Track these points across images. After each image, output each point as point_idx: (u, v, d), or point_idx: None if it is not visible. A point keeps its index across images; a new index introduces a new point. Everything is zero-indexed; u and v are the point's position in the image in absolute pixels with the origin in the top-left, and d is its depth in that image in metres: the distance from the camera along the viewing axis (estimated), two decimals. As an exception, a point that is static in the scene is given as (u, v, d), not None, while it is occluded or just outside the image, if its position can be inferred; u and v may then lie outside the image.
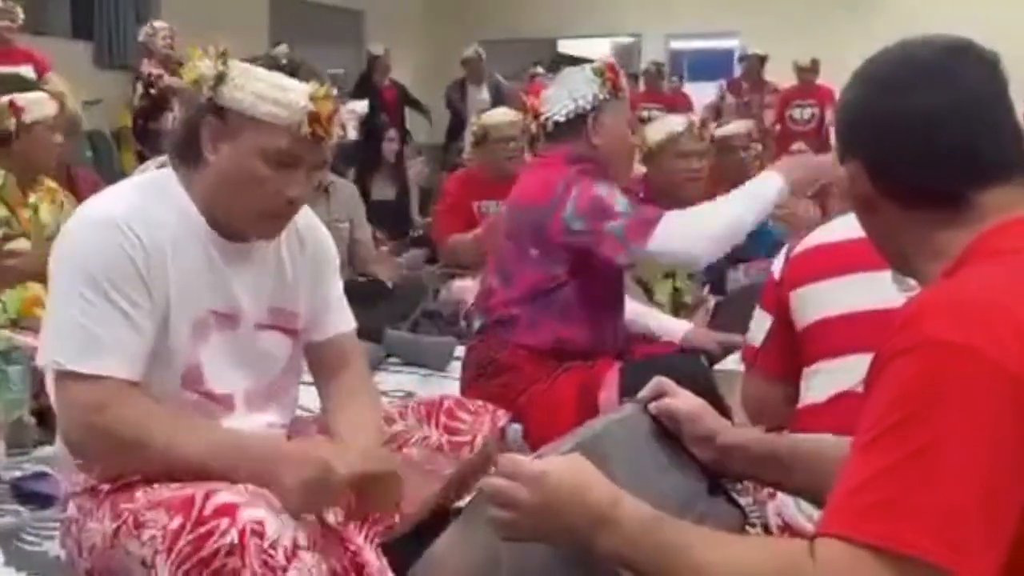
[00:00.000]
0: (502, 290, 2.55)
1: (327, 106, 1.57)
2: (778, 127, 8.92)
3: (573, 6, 11.32)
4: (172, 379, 1.59)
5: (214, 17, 7.40)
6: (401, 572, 1.53)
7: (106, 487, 1.54)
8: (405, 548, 1.57)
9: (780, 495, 1.79)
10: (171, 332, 1.57)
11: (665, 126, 3.37)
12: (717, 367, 2.74)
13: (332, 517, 1.57)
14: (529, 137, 4.37)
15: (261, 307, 1.69)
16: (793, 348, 1.85)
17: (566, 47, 11.49)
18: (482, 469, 1.77)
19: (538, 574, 1.16)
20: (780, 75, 9.09)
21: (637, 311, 2.86)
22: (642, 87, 9.53)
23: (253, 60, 1.60)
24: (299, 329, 1.76)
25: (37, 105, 3.20)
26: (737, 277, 3.78)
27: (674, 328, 2.92)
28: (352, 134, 1.68)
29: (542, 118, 2.57)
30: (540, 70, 8.54)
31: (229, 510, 1.34)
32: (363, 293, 3.84)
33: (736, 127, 5.01)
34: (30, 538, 2.28)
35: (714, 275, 3.65)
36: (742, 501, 1.43)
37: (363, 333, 1.85)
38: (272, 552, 1.33)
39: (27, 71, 5.36)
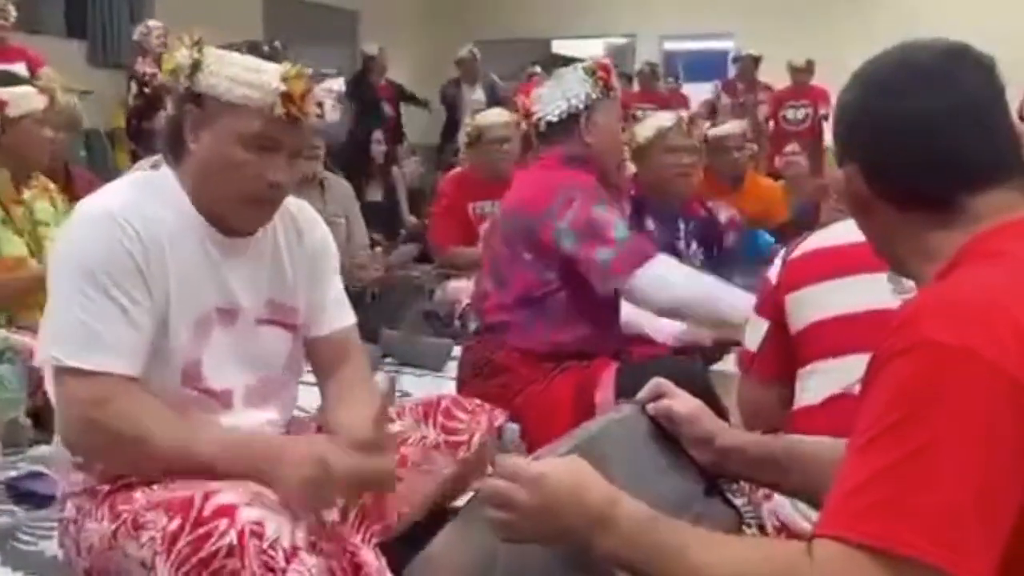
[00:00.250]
0: (496, 294, 2.55)
1: (299, 85, 1.56)
2: (772, 125, 8.94)
3: (568, 7, 11.32)
4: (171, 376, 1.59)
5: (208, 17, 7.35)
6: (399, 572, 1.53)
7: (105, 487, 1.54)
8: (403, 548, 1.57)
9: (776, 496, 1.79)
10: (171, 329, 1.57)
11: (653, 123, 3.39)
12: (713, 368, 2.75)
13: (330, 516, 1.57)
14: (522, 137, 4.38)
15: (259, 301, 1.69)
16: (788, 352, 1.85)
17: (561, 48, 11.48)
18: (479, 469, 1.78)
19: (536, 575, 1.17)
20: (774, 76, 9.11)
21: (630, 312, 2.86)
22: (636, 88, 9.54)
23: (229, 46, 1.60)
24: (298, 324, 1.76)
25: (24, 99, 3.18)
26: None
27: (668, 329, 2.92)
28: (332, 115, 1.67)
29: (534, 118, 2.57)
30: (538, 70, 8.54)
31: (228, 511, 1.34)
32: (357, 294, 3.83)
33: (730, 127, 5.02)
34: (26, 538, 2.27)
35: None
36: (738, 502, 1.44)
37: (359, 333, 1.85)
38: (271, 553, 1.33)
39: (20, 69, 5.35)
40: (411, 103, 9.38)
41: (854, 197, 1.10)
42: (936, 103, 1.04)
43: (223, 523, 1.33)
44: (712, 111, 8.86)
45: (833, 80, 1.33)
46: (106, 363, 1.49)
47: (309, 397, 1.84)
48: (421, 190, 7.79)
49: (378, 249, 5.17)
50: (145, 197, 1.59)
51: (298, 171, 1.70)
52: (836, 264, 1.78)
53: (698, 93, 9.67)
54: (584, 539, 1.07)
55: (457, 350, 3.24)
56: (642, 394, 1.34)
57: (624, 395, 1.92)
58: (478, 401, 1.94)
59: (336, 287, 1.83)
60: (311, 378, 1.83)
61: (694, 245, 3.56)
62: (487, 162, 4.52)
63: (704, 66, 10.77)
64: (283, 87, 1.55)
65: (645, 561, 1.03)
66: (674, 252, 3.47)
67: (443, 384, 3.44)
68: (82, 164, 4.72)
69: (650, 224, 3.41)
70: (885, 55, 1.10)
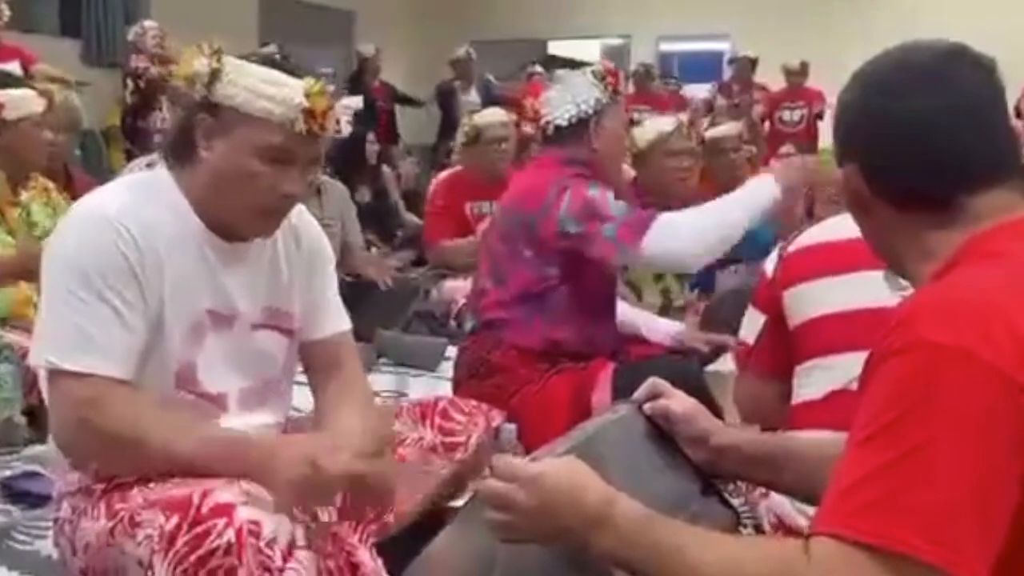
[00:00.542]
0: (495, 291, 2.55)
1: (322, 102, 1.57)
2: (767, 127, 8.95)
3: (564, 7, 11.33)
4: (165, 379, 1.59)
5: (204, 17, 7.36)
6: (396, 572, 1.53)
7: (100, 486, 1.54)
8: (400, 548, 1.57)
9: (773, 494, 1.80)
10: (165, 332, 1.57)
11: (654, 127, 3.40)
12: (708, 369, 2.75)
13: (326, 516, 1.57)
14: (519, 138, 4.37)
15: (256, 306, 1.69)
16: (786, 346, 1.86)
17: (556, 48, 11.49)
18: (477, 470, 1.78)
19: (535, 575, 1.17)
20: (770, 77, 9.12)
21: (626, 312, 2.87)
22: (631, 89, 9.54)
23: (247, 57, 1.60)
24: (294, 328, 1.76)
25: (22, 101, 3.18)
26: (727, 279, 3.79)
27: (664, 329, 2.93)
28: (346, 129, 1.68)
29: (542, 121, 2.57)
30: (539, 69, 8.54)
31: (226, 510, 1.34)
32: (352, 294, 3.83)
33: (726, 129, 5.04)
34: (21, 537, 2.27)
35: (703, 277, 3.66)
36: (734, 502, 1.44)
37: (354, 334, 1.85)
38: (269, 552, 1.33)
39: (14, 67, 5.34)
40: (405, 104, 9.38)
41: (853, 197, 1.10)
42: (935, 103, 1.04)
43: (221, 522, 1.33)
44: (710, 108, 8.88)
45: (832, 81, 1.34)
46: (99, 366, 1.49)
47: (303, 398, 1.83)
48: (417, 191, 7.79)
49: (374, 250, 5.17)
50: (142, 200, 1.59)
51: (310, 182, 1.70)
52: (834, 260, 1.79)
53: (694, 94, 9.67)
54: (582, 539, 1.07)
55: (452, 350, 3.24)
56: (639, 394, 1.34)
57: (620, 395, 1.92)
58: (475, 402, 1.94)
59: (332, 291, 1.83)
60: (305, 378, 1.83)
61: None
62: (484, 162, 4.51)
63: (699, 67, 10.78)
64: (306, 103, 1.55)
65: (642, 560, 1.03)
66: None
67: (439, 384, 3.44)
68: (77, 163, 4.69)
69: None
70: (884, 56, 1.11)
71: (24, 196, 3.21)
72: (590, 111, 2.52)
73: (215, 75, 1.56)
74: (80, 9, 8.34)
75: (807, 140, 8.46)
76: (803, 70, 8.81)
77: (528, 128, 2.66)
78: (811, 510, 1.02)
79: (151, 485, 1.47)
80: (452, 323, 4.35)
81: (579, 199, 2.39)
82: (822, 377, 1.78)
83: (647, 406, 1.33)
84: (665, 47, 11.44)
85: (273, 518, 1.36)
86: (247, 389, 1.68)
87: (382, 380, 3.80)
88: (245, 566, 1.30)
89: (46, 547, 2.06)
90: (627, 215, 2.38)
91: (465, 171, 4.71)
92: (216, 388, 1.64)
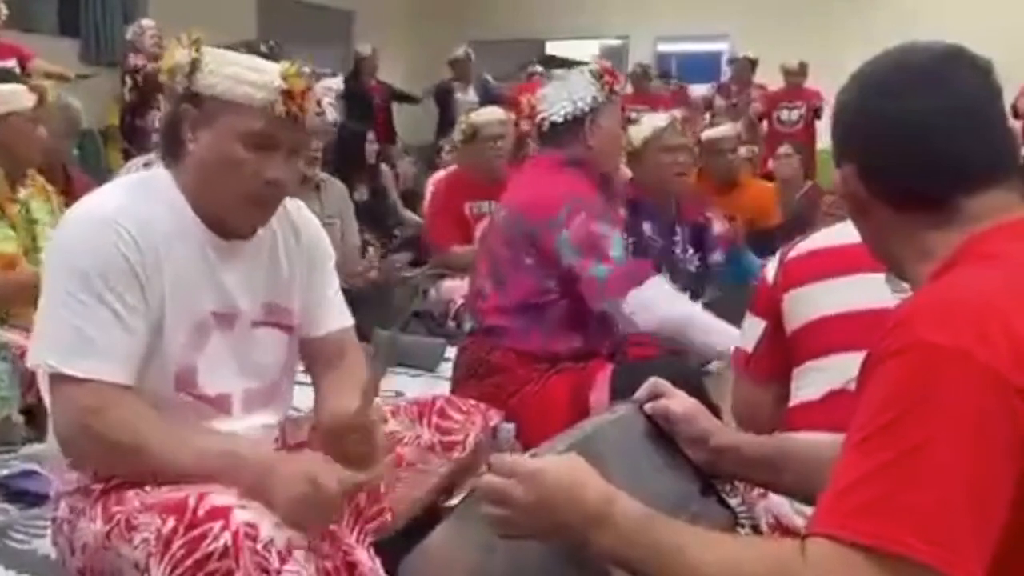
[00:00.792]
0: (495, 295, 2.55)
1: (299, 83, 1.57)
2: (765, 127, 8.95)
3: (562, 8, 11.33)
4: (164, 381, 1.58)
5: (202, 16, 7.31)
6: (393, 571, 1.53)
7: (99, 486, 1.53)
8: (397, 547, 1.56)
9: (771, 495, 1.80)
10: (166, 334, 1.56)
11: (648, 124, 3.41)
12: (706, 369, 2.74)
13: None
14: (517, 136, 4.37)
15: (256, 303, 1.68)
16: (784, 351, 1.86)
17: (554, 49, 11.49)
18: (474, 469, 1.78)
19: (532, 572, 1.17)
20: (769, 78, 9.12)
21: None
22: (629, 89, 9.53)
23: (228, 46, 1.60)
24: (294, 325, 1.75)
25: (11, 96, 3.15)
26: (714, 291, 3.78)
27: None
28: (330, 113, 1.68)
29: (538, 117, 2.57)
30: (539, 69, 8.54)
31: (222, 512, 1.33)
32: (350, 297, 3.82)
33: (724, 130, 5.05)
34: (19, 536, 2.27)
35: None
36: (732, 502, 1.44)
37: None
38: (266, 554, 1.32)
39: (12, 66, 5.33)
40: (402, 101, 9.38)
41: (851, 197, 1.11)
42: (933, 104, 1.04)
43: (217, 525, 1.32)
44: (709, 105, 8.89)
45: (831, 82, 1.34)
46: (100, 369, 1.48)
47: (304, 397, 1.83)
48: (415, 191, 7.79)
49: (371, 249, 5.16)
50: (141, 200, 1.58)
51: (296, 170, 1.70)
52: (834, 264, 1.79)
53: (692, 95, 9.67)
54: (581, 536, 1.07)
55: (451, 350, 3.24)
56: (640, 393, 1.35)
57: (619, 396, 1.92)
58: (473, 401, 1.94)
59: (333, 287, 1.82)
60: (306, 378, 1.83)
61: (690, 251, 3.57)
62: (480, 160, 4.50)
63: (698, 68, 10.78)
64: (283, 85, 1.55)
65: (641, 559, 1.04)
66: (671, 257, 3.49)
67: (437, 384, 3.44)
68: (74, 163, 4.68)
69: (647, 229, 3.42)
70: (883, 57, 1.11)
71: (22, 193, 3.20)
72: (586, 108, 2.52)
73: (195, 65, 1.56)
74: (79, 8, 8.35)
75: (805, 140, 8.46)
76: (802, 70, 8.81)
77: (525, 125, 2.66)
78: (809, 511, 1.02)
79: (147, 488, 1.47)
80: (451, 323, 4.34)
81: (584, 230, 2.39)
82: (820, 378, 1.78)
83: (648, 406, 1.33)
84: (663, 47, 11.43)
85: (270, 520, 1.36)
86: (251, 390, 1.67)
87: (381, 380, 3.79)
88: (242, 569, 1.30)
89: (44, 546, 2.06)
90: (623, 265, 2.39)
91: (463, 171, 4.70)
92: (218, 390, 1.63)
